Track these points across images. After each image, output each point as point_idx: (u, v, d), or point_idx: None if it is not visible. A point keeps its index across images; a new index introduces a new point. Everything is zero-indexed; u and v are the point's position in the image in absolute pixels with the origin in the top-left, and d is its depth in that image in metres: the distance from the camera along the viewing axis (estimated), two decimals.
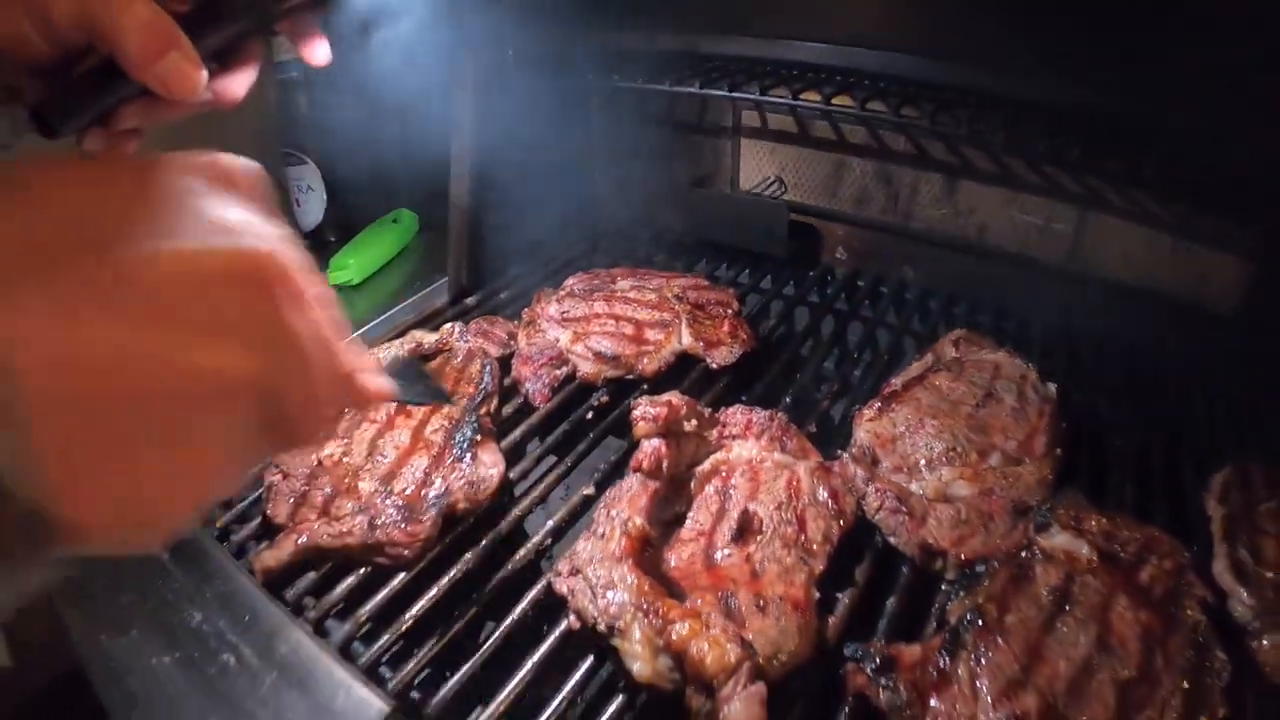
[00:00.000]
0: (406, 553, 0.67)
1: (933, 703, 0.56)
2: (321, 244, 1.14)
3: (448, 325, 0.90)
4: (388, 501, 0.69)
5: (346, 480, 0.73)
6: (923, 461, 0.75)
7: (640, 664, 0.53)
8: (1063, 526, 0.69)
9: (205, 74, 0.38)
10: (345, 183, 1.15)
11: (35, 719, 1.03)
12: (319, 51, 0.50)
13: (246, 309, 0.25)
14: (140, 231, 0.24)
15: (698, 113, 1.09)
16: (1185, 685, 0.59)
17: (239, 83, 0.45)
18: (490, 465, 0.72)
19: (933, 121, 0.85)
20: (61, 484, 0.22)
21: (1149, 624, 0.63)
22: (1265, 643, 0.62)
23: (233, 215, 0.26)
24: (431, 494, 0.70)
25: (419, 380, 0.58)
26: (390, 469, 0.73)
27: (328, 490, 0.72)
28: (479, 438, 0.74)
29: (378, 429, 0.77)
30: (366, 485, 0.72)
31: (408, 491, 0.70)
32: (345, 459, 0.75)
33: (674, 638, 0.53)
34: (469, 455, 0.72)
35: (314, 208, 1.15)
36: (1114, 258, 0.97)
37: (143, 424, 0.23)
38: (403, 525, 0.67)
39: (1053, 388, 0.85)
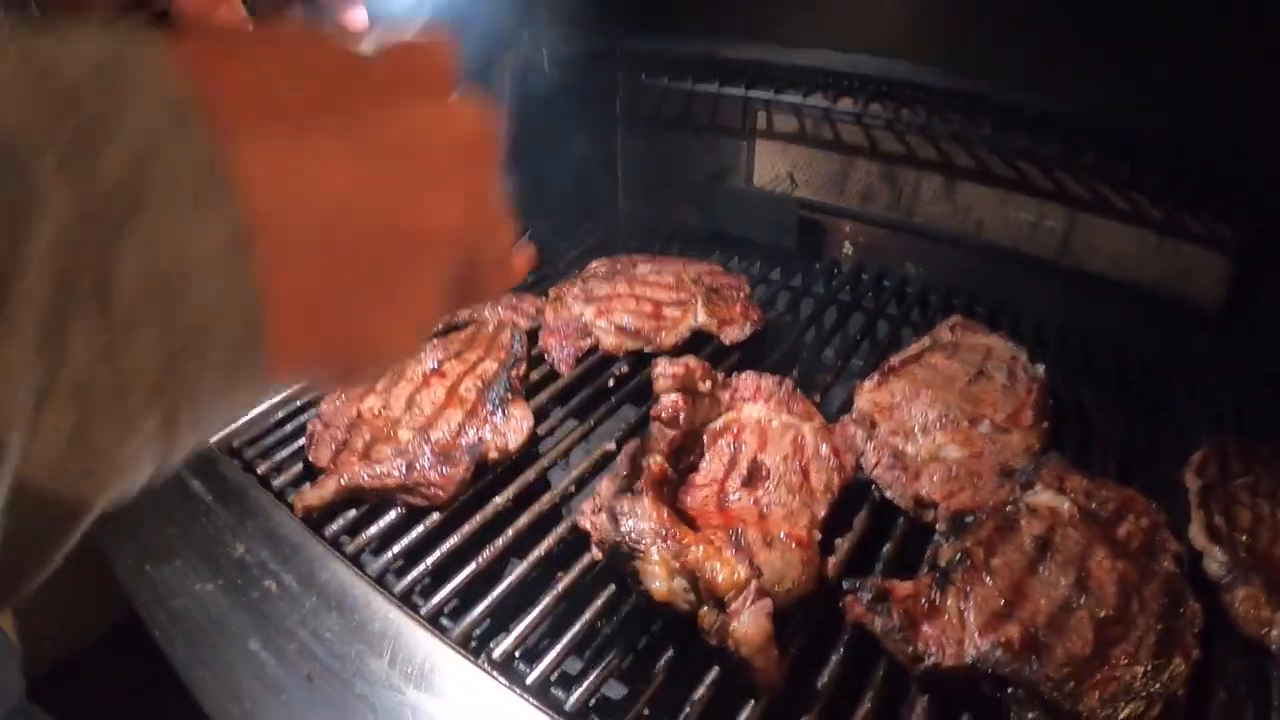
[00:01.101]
0: (441, 494, 0.73)
1: (924, 628, 0.61)
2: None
3: None
4: (425, 448, 0.75)
5: (386, 430, 0.79)
6: (917, 426, 0.80)
7: (659, 583, 0.59)
8: (1046, 485, 0.75)
9: None
10: None
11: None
12: (358, 14, 0.46)
13: (469, 170, 0.27)
14: (381, 89, 0.25)
15: (716, 114, 1.16)
16: (1159, 627, 0.63)
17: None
18: (520, 419, 0.78)
19: (926, 120, 0.92)
20: (282, 317, 0.22)
21: (1125, 573, 0.67)
22: (1238, 594, 0.67)
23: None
24: (465, 442, 0.76)
25: None
26: (427, 421, 0.79)
27: (368, 438, 0.78)
28: (510, 395, 0.80)
29: (414, 386, 0.83)
30: (405, 434, 0.78)
31: (443, 440, 0.76)
32: (385, 411, 0.81)
33: (689, 559, 0.59)
34: (501, 410, 0.78)
35: None
36: (1103, 254, 1.03)
37: (367, 265, 0.24)
38: (439, 469, 0.73)
39: (1041, 368, 0.90)
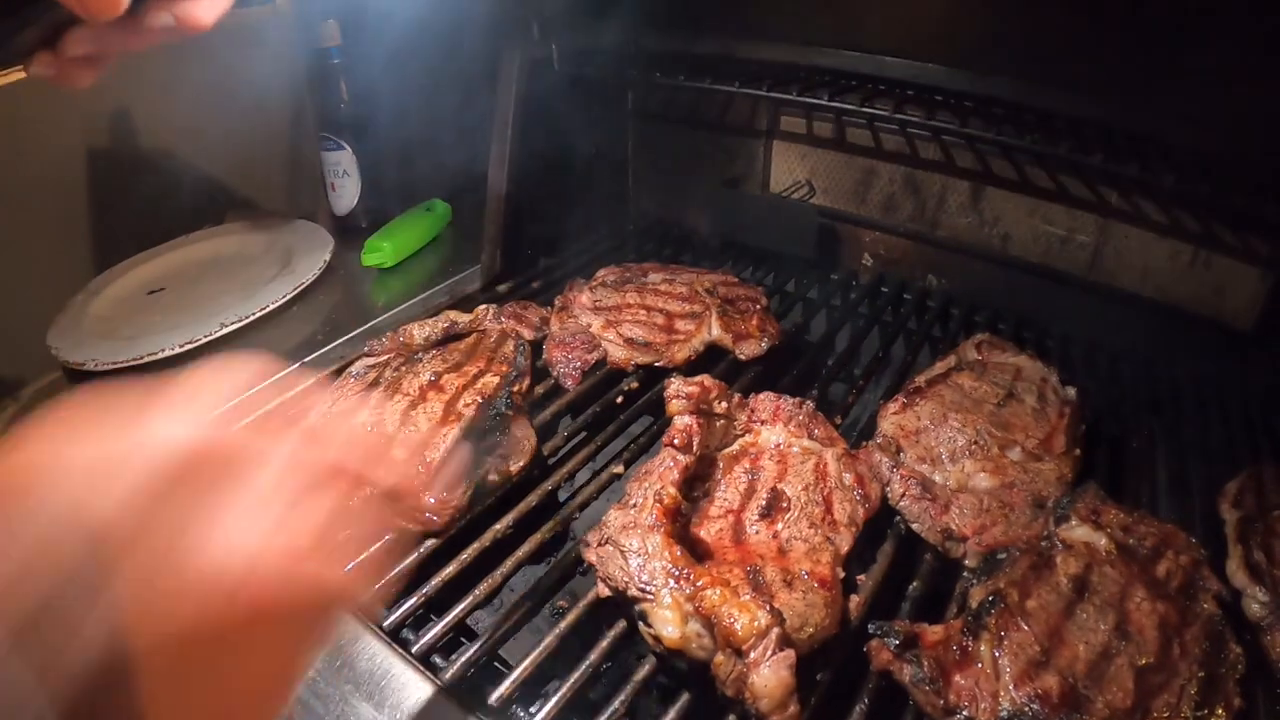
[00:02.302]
0: (436, 519, 0.68)
1: (956, 679, 0.57)
2: (354, 228, 1.16)
3: (482, 307, 0.92)
4: (420, 469, 0.70)
5: (378, 449, 0.74)
6: (945, 454, 0.76)
7: (671, 628, 0.54)
8: (1081, 519, 0.71)
9: None
10: (380, 170, 1.18)
11: None
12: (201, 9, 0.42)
13: None
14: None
15: (732, 115, 1.11)
16: (1201, 674, 0.60)
17: (205, 8, 0.41)
18: (523, 438, 0.74)
19: (961, 125, 0.88)
20: None
21: (1166, 614, 0.64)
22: (1278, 637, 0.63)
23: None
24: (463, 464, 0.71)
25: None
26: (423, 439, 0.74)
27: None
28: (511, 412, 0.76)
29: (410, 401, 0.79)
30: (399, 454, 0.73)
31: (439, 461, 0.72)
32: (377, 428, 0.77)
33: (704, 603, 0.54)
34: (501, 428, 0.74)
35: (349, 192, 1.17)
36: (1134, 271, 0.99)
37: None
38: (435, 493, 0.68)
39: (1072, 391, 0.86)
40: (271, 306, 0.99)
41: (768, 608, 0.55)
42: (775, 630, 0.53)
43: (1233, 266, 0.93)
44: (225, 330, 0.95)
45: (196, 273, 1.11)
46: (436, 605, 0.65)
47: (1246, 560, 0.70)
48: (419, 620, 0.64)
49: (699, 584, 0.55)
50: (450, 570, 0.66)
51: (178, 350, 0.93)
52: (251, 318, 0.97)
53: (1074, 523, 0.71)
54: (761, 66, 0.98)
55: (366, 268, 1.11)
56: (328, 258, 1.08)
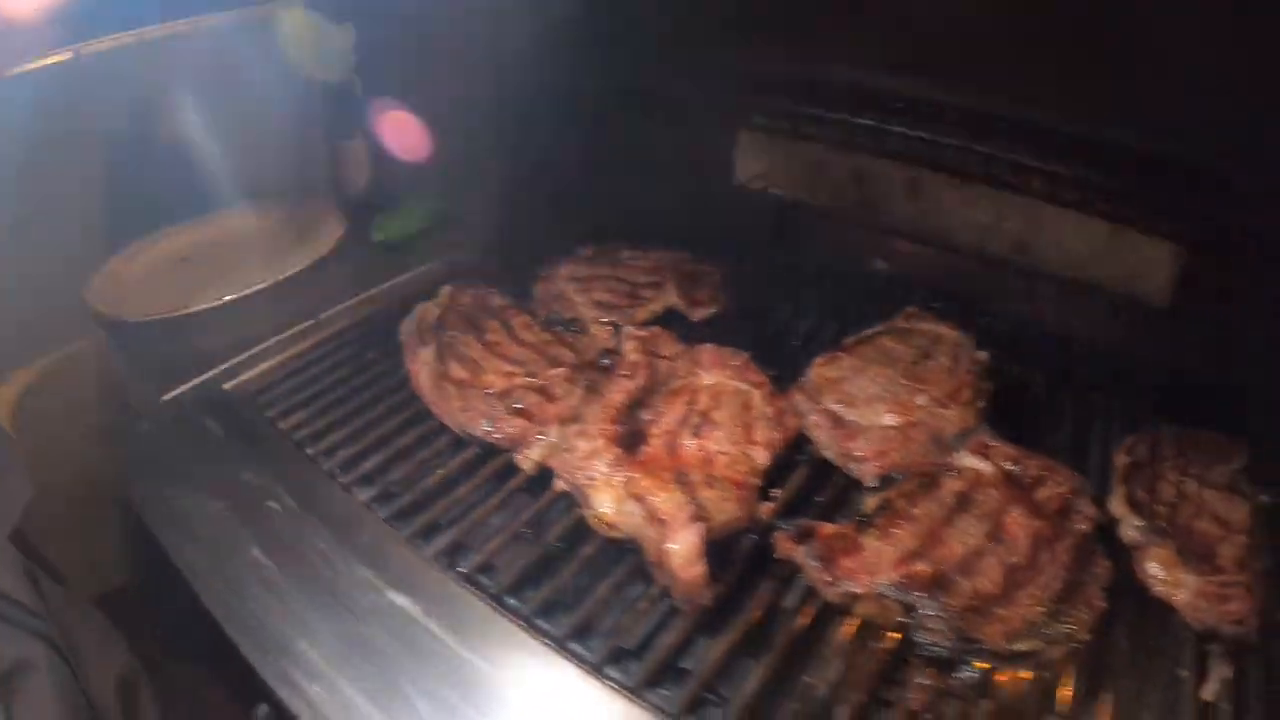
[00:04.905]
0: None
1: (843, 561, 0.69)
2: (366, 208, 1.31)
3: (445, 288, 1.05)
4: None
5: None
6: (859, 397, 0.88)
7: (608, 506, 0.67)
8: (972, 451, 0.81)
9: None
10: (389, 157, 1.33)
11: None
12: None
13: None
14: None
15: (701, 112, 1.25)
16: (1067, 578, 0.68)
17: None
18: None
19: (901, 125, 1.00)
20: None
21: (1040, 530, 0.72)
22: (1150, 556, 0.71)
23: None
24: None
25: None
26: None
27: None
28: None
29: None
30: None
31: None
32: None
33: (635, 487, 0.67)
34: None
35: (362, 177, 1.32)
36: (1057, 253, 1.07)
37: None
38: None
39: (984, 354, 0.97)
40: (292, 272, 1.13)
41: (688, 494, 0.67)
42: (690, 507, 0.65)
43: (1148, 249, 1.00)
44: (250, 290, 1.09)
45: (223, 244, 1.25)
46: (425, 502, 0.78)
47: (1129, 495, 0.78)
48: (407, 512, 0.77)
49: (633, 474, 0.68)
50: (429, 482, 0.79)
51: (205, 307, 1.06)
52: (275, 281, 1.11)
53: (965, 454, 0.81)
54: (727, 70, 1.12)
55: (377, 242, 1.26)
56: (342, 233, 1.22)
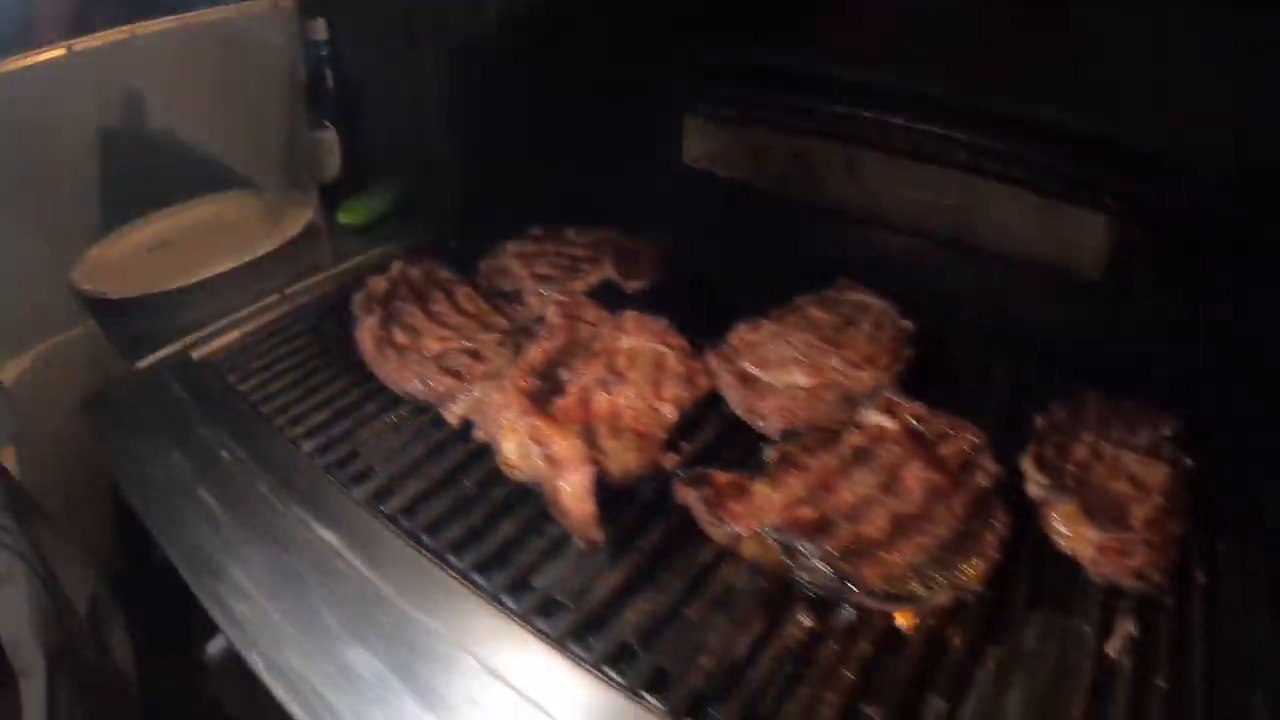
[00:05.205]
0: None
1: (733, 506, 0.73)
2: (337, 192, 1.38)
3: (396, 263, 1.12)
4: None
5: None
6: (774, 360, 0.92)
7: (514, 450, 0.74)
8: (879, 408, 0.83)
9: None
10: (358, 147, 1.40)
11: None
12: None
13: None
14: None
15: (646, 95, 1.31)
16: (959, 528, 0.70)
17: None
18: None
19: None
20: None
21: (938, 483, 0.74)
22: (1054, 511, 0.73)
23: None
24: None
25: None
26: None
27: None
28: None
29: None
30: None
31: None
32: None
33: (539, 434, 0.73)
34: None
35: (333, 165, 1.39)
36: (993, 228, 1.10)
37: None
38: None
39: (909, 323, 1.01)
40: (261, 253, 1.21)
41: (588, 441, 0.73)
42: (584, 450, 0.71)
43: (1081, 224, 1.02)
44: (223, 269, 1.17)
45: (200, 229, 1.33)
46: (360, 456, 0.85)
47: (1038, 454, 0.79)
48: (343, 462, 0.84)
49: (537, 423, 0.74)
50: (372, 427, 0.86)
51: (180, 285, 1.14)
52: (245, 261, 1.19)
53: (871, 410, 0.83)
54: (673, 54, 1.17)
55: (342, 225, 1.34)
56: (310, 216, 1.30)
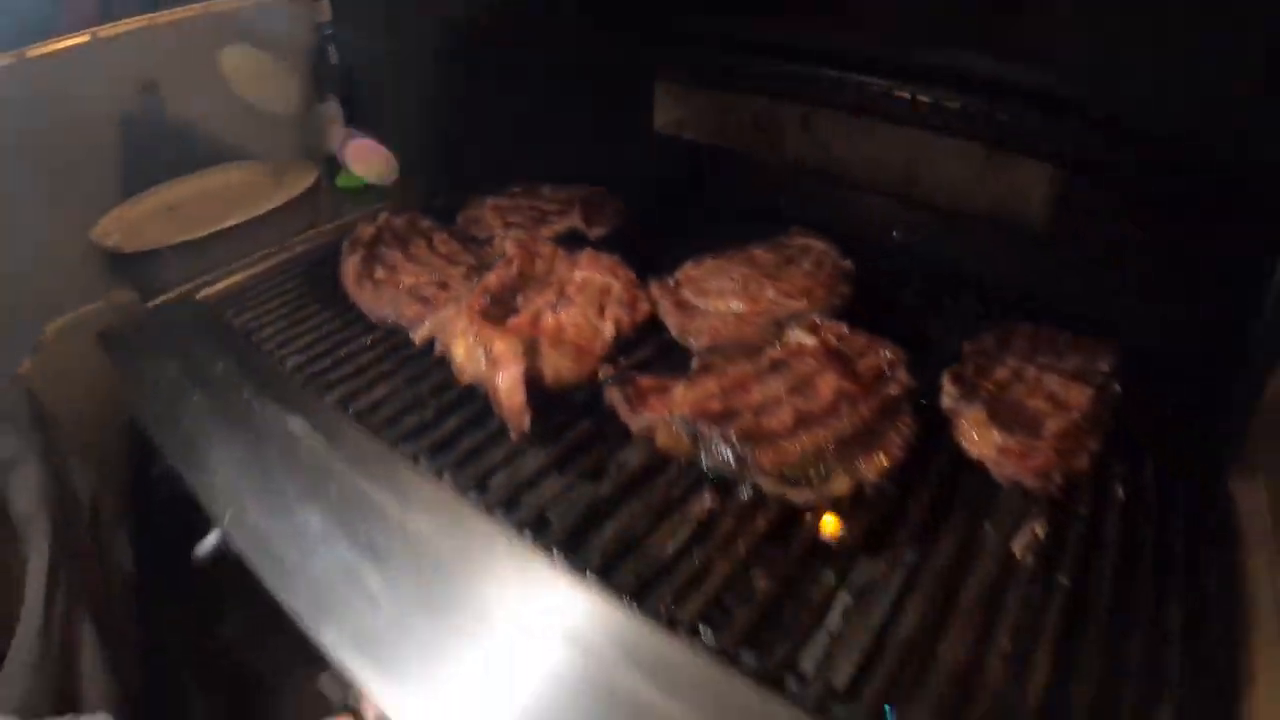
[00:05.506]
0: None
1: (650, 400, 0.81)
2: (335, 161, 1.50)
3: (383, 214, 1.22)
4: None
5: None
6: (713, 290, 1.00)
7: (461, 350, 0.83)
8: (802, 328, 0.87)
9: None
10: (358, 117, 1.52)
11: None
12: None
13: None
14: None
15: (621, 62, 1.40)
16: (863, 426, 0.73)
17: None
18: None
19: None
20: None
21: (848, 390, 0.77)
22: (963, 417, 0.77)
23: None
24: None
25: None
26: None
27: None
28: None
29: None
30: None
31: None
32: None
33: (482, 336, 0.82)
34: None
35: (336, 135, 1.52)
36: (940, 182, 1.16)
37: None
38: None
39: (849, 262, 1.08)
40: (264, 210, 1.33)
41: (526, 347, 0.82)
42: (519, 350, 0.80)
43: (1025, 176, 1.07)
44: (229, 224, 1.29)
45: (209, 194, 1.46)
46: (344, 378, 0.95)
47: (957, 373, 0.83)
48: (331, 385, 0.94)
49: (485, 330, 0.83)
50: (358, 363, 0.96)
51: (189, 238, 1.26)
52: (249, 218, 1.31)
53: (795, 329, 0.87)
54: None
55: (340, 188, 1.46)
56: (312, 181, 1.42)
